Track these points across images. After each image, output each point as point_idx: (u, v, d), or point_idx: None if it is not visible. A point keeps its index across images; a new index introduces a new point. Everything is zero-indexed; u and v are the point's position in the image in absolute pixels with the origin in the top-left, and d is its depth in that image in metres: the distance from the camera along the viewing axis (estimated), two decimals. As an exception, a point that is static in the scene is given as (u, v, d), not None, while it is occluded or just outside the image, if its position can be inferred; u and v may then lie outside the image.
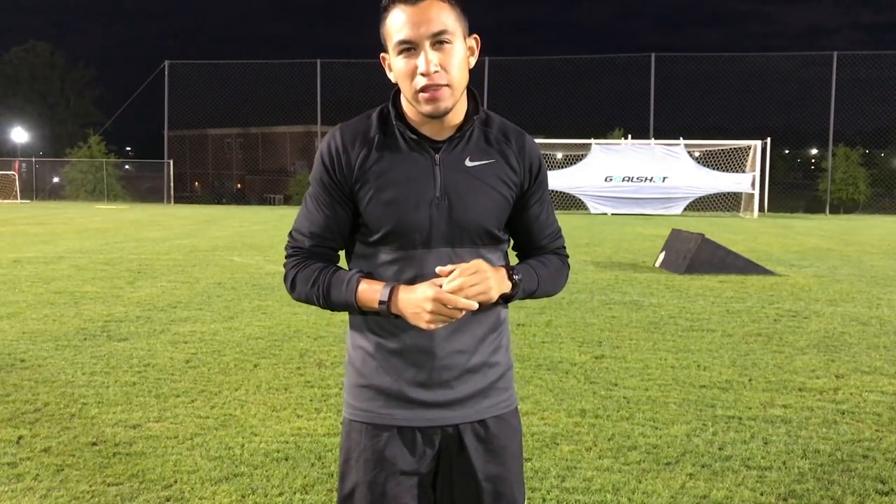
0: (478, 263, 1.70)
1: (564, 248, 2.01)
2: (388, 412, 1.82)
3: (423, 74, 1.66)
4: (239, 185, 63.23)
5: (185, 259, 13.04)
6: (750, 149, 32.80)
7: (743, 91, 50.40)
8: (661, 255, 12.74)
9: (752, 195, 32.14)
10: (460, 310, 1.67)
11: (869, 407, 4.95)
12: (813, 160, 53.93)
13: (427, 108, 1.70)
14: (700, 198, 32.97)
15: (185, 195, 51.62)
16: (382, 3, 1.72)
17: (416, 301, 1.68)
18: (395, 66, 1.72)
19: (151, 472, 3.77)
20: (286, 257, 1.89)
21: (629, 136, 35.99)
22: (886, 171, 41.79)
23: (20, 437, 4.22)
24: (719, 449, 4.17)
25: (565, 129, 38.87)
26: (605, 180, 32.45)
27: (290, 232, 1.88)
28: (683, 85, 45.63)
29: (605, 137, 37.06)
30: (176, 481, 3.66)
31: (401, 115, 1.80)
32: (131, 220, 25.22)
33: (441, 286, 1.67)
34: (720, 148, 33.80)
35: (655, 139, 35.67)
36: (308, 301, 1.84)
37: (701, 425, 4.55)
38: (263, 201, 52.46)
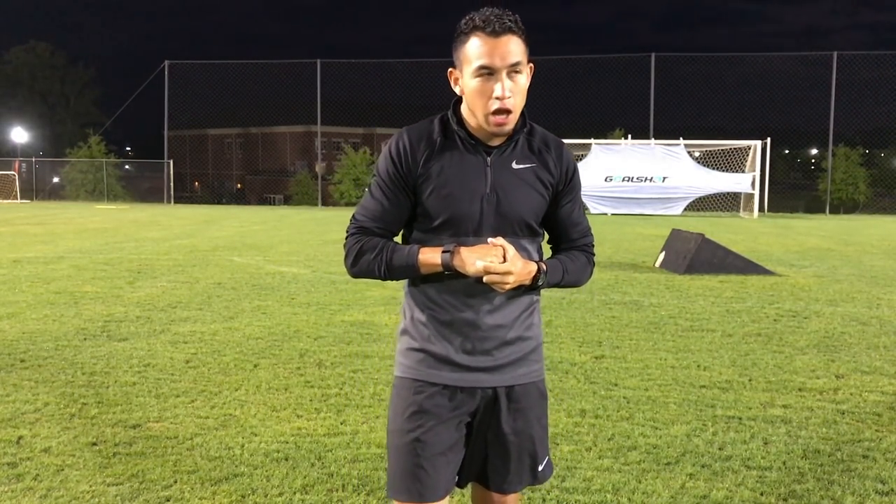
0: (508, 265, 1.98)
1: (592, 245, 2.30)
2: (437, 372, 2.13)
3: (498, 98, 1.98)
4: (239, 185, 63.26)
5: (185, 259, 13.04)
6: (750, 149, 32.78)
7: (743, 91, 50.57)
8: (661, 255, 12.74)
9: (751, 195, 32.13)
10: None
11: (869, 407, 4.95)
12: (813, 160, 53.96)
13: (494, 129, 2.02)
14: (700, 198, 32.93)
15: (185, 195, 51.64)
16: (462, 28, 2.01)
17: (474, 256, 2.01)
18: (471, 85, 2.01)
19: (151, 472, 3.77)
20: (348, 236, 2.16)
21: (629, 136, 35.97)
22: (886, 171, 41.78)
23: (20, 437, 4.22)
24: (719, 449, 4.17)
25: (565, 129, 38.85)
26: (605, 180, 32.42)
27: (354, 216, 2.17)
28: (683, 85, 45.72)
29: (605, 137, 37.04)
30: (176, 481, 3.66)
31: (460, 121, 2.10)
32: (131, 220, 25.22)
33: (492, 256, 1.99)
34: (720, 148, 33.78)
35: (655, 139, 35.64)
36: (368, 270, 2.13)
37: (701, 425, 4.55)
38: (263, 201, 52.49)
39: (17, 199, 43.27)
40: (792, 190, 48.95)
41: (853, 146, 40.19)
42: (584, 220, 2.26)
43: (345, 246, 2.17)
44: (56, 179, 49.29)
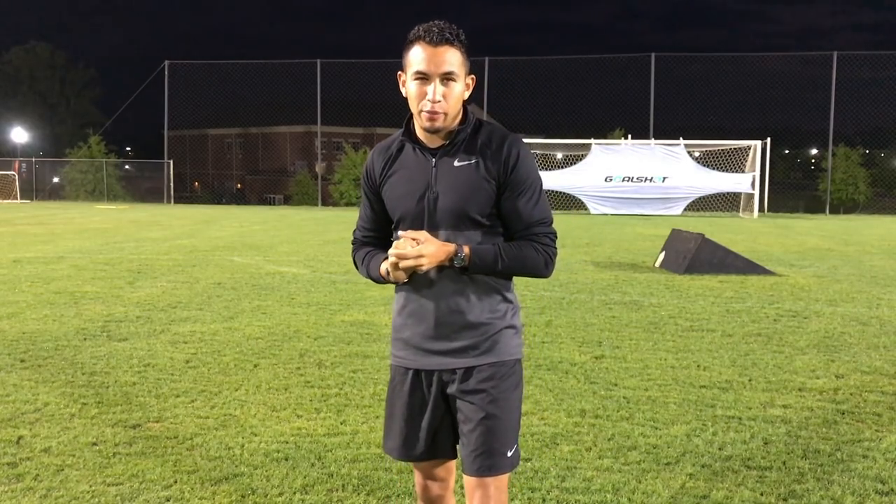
0: (420, 249, 2.18)
1: (545, 235, 2.34)
2: (411, 358, 2.38)
3: (429, 101, 2.20)
4: (239, 185, 63.21)
5: (185, 259, 13.04)
6: (750, 149, 32.77)
7: (743, 91, 50.57)
8: (661, 255, 12.74)
9: (751, 195, 32.11)
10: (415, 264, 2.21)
11: (869, 407, 4.95)
12: (813, 160, 53.92)
13: (426, 125, 2.25)
14: (700, 198, 32.91)
15: (185, 195, 51.56)
16: (409, 37, 2.24)
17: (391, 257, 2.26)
18: (409, 88, 2.25)
19: (151, 472, 3.77)
20: (352, 243, 2.55)
21: (629, 136, 35.95)
22: (886, 171, 41.74)
23: (20, 437, 4.22)
24: (719, 449, 4.17)
25: (565, 129, 38.88)
26: (605, 180, 32.40)
27: (354, 228, 2.54)
28: (683, 85, 45.70)
29: (605, 137, 37.01)
30: (176, 481, 3.66)
31: (409, 131, 2.35)
32: (131, 220, 25.22)
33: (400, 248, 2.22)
34: (720, 148, 33.76)
35: (655, 139, 35.62)
36: (367, 279, 2.48)
37: (701, 425, 4.55)
38: (263, 201, 52.40)
39: (17, 199, 43.26)
40: (792, 190, 48.87)
41: (853, 146, 40.14)
42: (535, 212, 2.32)
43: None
44: (56, 179, 49.24)
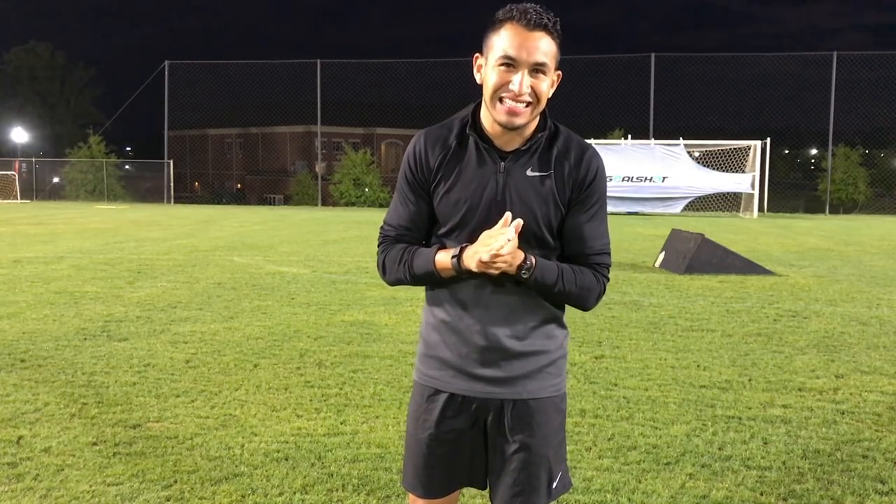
0: (513, 244, 1.91)
1: (604, 265, 2.11)
2: (446, 380, 2.09)
3: (512, 91, 1.91)
4: (239, 186, 63.25)
5: (185, 259, 13.03)
6: (750, 149, 32.78)
7: (743, 91, 50.39)
8: (661, 255, 12.74)
9: (751, 195, 32.13)
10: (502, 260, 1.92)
11: (869, 407, 4.95)
12: (813, 160, 53.93)
13: (503, 119, 1.94)
14: (700, 198, 32.94)
15: (185, 195, 51.59)
16: (499, 16, 1.94)
17: (474, 250, 1.94)
18: (490, 74, 1.95)
19: (151, 472, 3.77)
20: (377, 246, 2.17)
21: (629, 136, 35.96)
22: (886, 171, 41.76)
23: (20, 437, 4.22)
24: (719, 449, 4.17)
25: (565, 130, 38.63)
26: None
27: (382, 225, 2.16)
28: (683, 85, 45.60)
29: (605, 137, 37.01)
30: (176, 481, 3.66)
31: (475, 125, 2.04)
32: (131, 220, 25.21)
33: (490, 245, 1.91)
34: (720, 148, 33.77)
35: (655, 139, 35.64)
36: (397, 279, 2.12)
37: (701, 425, 4.55)
38: (263, 201, 52.46)
39: (17, 199, 43.25)
40: (792, 190, 48.83)
41: (853, 146, 40.19)
42: (601, 238, 2.09)
43: (377, 256, 2.19)
44: (56, 179, 49.25)
